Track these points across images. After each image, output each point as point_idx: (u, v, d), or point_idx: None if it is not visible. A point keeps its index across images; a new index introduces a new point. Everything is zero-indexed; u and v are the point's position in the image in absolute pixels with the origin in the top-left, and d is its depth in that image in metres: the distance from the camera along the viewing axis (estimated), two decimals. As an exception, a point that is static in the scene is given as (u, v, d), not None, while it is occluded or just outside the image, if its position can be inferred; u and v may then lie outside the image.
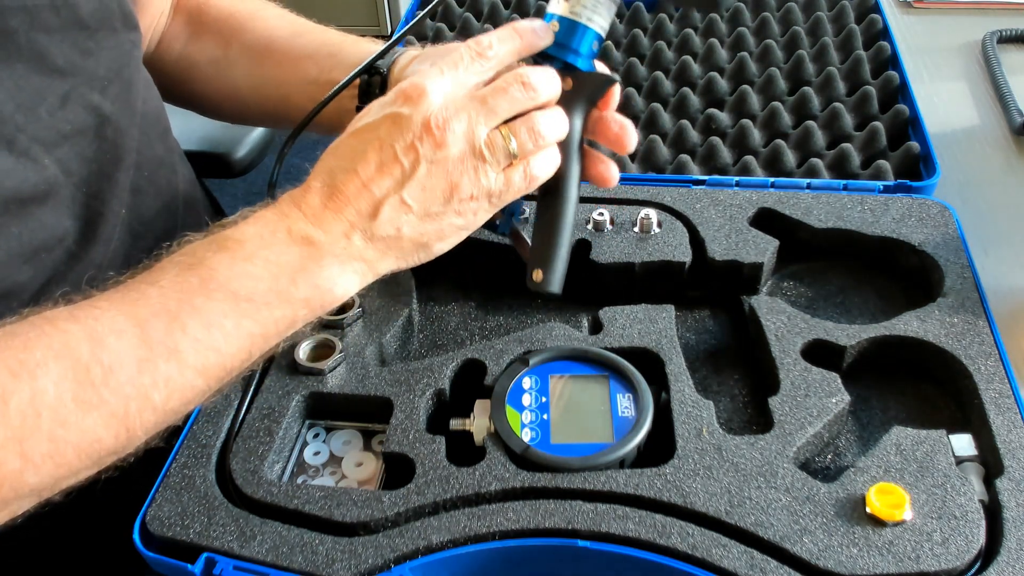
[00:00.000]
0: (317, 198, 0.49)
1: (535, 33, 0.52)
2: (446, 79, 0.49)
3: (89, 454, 0.43)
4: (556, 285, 0.54)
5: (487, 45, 0.50)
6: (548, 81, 0.51)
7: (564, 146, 0.53)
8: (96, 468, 0.44)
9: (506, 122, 0.50)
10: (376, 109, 0.51)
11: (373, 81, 0.61)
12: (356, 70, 0.58)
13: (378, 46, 0.64)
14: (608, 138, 0.55)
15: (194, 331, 0.45)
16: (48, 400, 0.41)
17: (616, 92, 0.54)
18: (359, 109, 0.61)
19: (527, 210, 0.64)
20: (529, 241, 0.56)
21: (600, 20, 0.53)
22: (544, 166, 0.52)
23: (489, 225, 0.56)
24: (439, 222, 0.51)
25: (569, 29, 0.52)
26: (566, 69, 0.53)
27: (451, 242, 0.53)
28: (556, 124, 0.52)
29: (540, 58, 0.54)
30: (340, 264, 0.49)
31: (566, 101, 0.53)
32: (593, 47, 0.53)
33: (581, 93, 0.53)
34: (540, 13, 0.97)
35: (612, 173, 0.56)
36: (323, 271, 0.48)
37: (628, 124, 0.55)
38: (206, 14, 0.72)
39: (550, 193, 0.54)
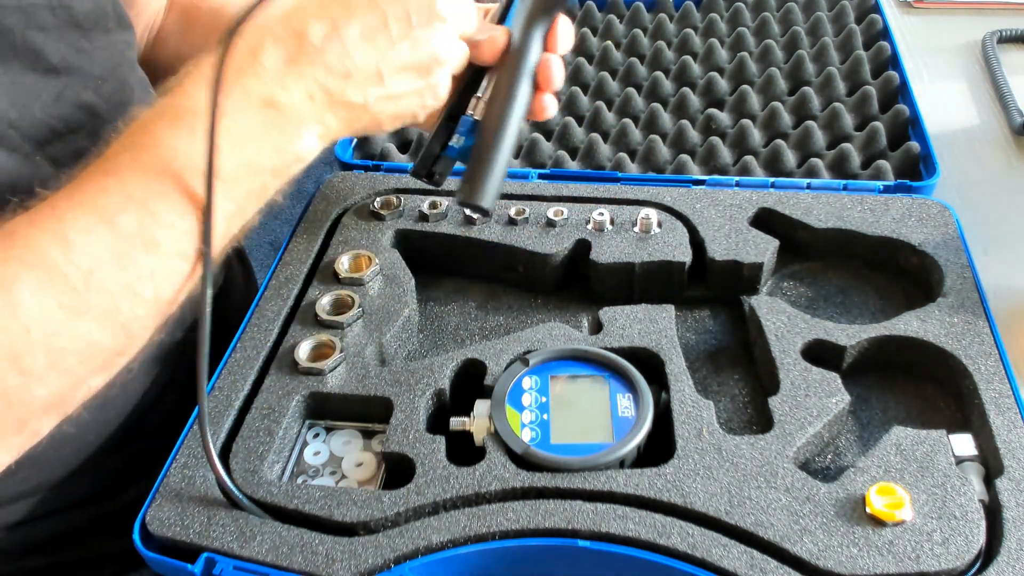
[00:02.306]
0: (281, 50, 0.46)
1: None
2: None
3: (92, 358, 0.42)
4: (487, 200, 0.52)
5: None
6: None
7: (520, 63, 0.53)
8: (106, 372, 0.44)
9: None
10: None
11: None
12: None
13: None
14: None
15: (167, 218, 0.43)
16: (33, 313, 0.39)
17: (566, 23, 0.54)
18: None
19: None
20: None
21: None
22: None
23: (439, 145, 0.55)
24: (399, 102, 0.50)
25: None
26: None
27: (400, 123, 0.52)
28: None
29: None
30: (301, 125, 0.46)
31: (531, 17, 0.53)
32: None
33: (542, 8, 0.53)
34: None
35: (549, 105, 0.56)
36: (284, 134, 0.46)
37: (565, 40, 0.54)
38: (198, 8, 0.71)
39: (494, 108, 0.53)
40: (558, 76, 0.55)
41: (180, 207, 0.44)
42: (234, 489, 0.48)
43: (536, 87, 0.55)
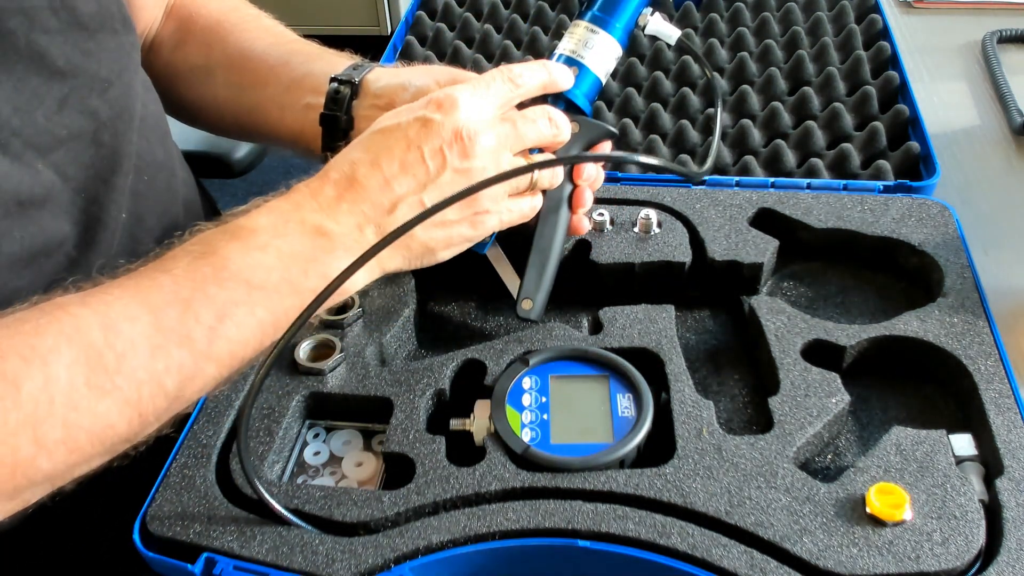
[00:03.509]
0: (333, 189, 0.50)
1: (562, 73, 0.56)
2: (477, 96, 0.52)
3: (102, 440, 0.43)
4: (541, 313, 0.59)
5: (518, 74, 0.53)
6: (567, 122, 0.56)
7: (557, 190, 0.58)
8: (108, 455, 0.45)
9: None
10: (405, 112, 0.52)
11: (343, 90, 0.61)
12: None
13: (354, 60, 0.65)
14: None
15: (207, 319, 0.45)
16: (61, 386, 0.41)
17: (609, 145, 0.60)
18: (324, 118, 0.61)
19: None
20: (508, 264, 0.60)
21: (599, 64, 0.58)
22: (539, 205, 0.57)
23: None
24: (450, 230, 0.53)
25: (575, 69, 0.57)
26: (569, 109, 0.58)
27: (455, 250, 0.55)
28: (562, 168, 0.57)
29: (543, 95, 0.57)
30: (350, 256, 0.49)
31: (568, 141, 0.57)
32: (593, 91, 0.58)
33: (583, 137, 0.58)
34: (541, 14, 0.98)
35: (584, 225, 0.61)
36: (334, 262, 0.49)
37: (600, 178, 0.61)
38: (195, 22, 0.71)
39: (544, 229, 0.58)
40: (590, 200, 0.60)
41: (221, 311, 0.46)
42: (282, 509, 0.47)
43: (571, 209, 0.59)
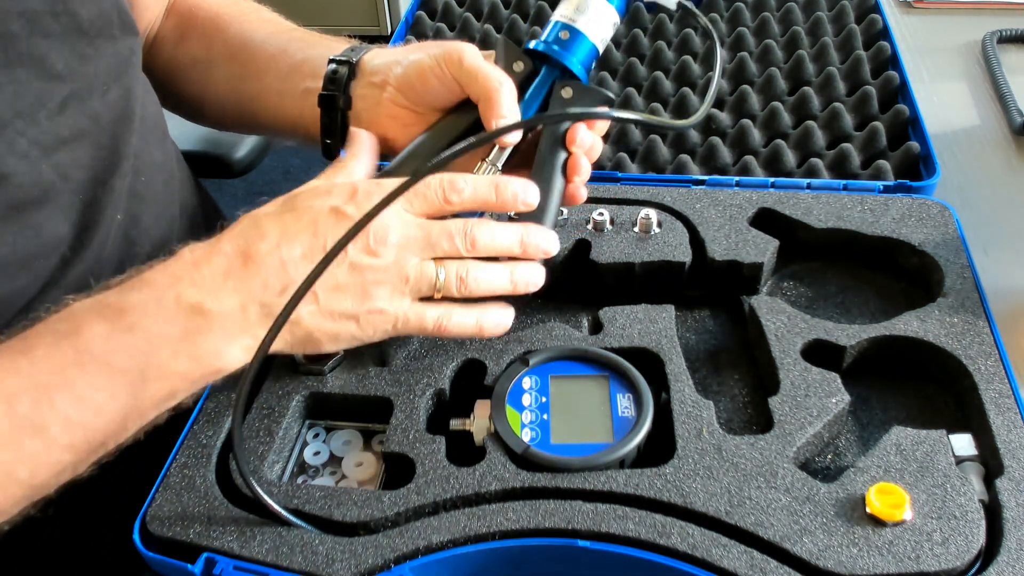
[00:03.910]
0: (223, 263, 0.47)
1: (515, 197, 0.52)
2: (401, 199, 0.48)
3: None
4: None
5: (459, 189, 0.50)
6: (498, 237, 0.51)
7: (550, 157, 0.56)
8: None
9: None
10: (322, 194, 0.50)
11: (340, 71, 0.60)
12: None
13: (352, 44, 0.65)
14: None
15: (63, 406, 0.43)
16: None
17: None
18: (322, 98, 0.61)
19: None
20: None
21: (595, 30, 0.56)
22: (461, 321, 0.52)
23: None
24: (338, 324, 0.50)
25: (570, 35, 0.55)
26: (565, 76, 0.56)
27: (340, 346, 0.52)
28: (489, 280, 0.52)
29: (538, 58, 0.55)
30: (228, 337, 0.47)
31: (560, 109, 0.55)
32: (589, 58, 0.56)
33: (577, 103, 0.55)
34: (541, 14, 0.98)
35: (581, 193, 0.58)
36: (207, 344, 0.46)
37: (598, 146, 0.57)
38: (195, 16, 0.71)
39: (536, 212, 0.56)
40: (587, 169, 0.56)
41: (78, 398, 0.44)
42: (281, 509, 0.47)
43: (566, 177, 0.56)
